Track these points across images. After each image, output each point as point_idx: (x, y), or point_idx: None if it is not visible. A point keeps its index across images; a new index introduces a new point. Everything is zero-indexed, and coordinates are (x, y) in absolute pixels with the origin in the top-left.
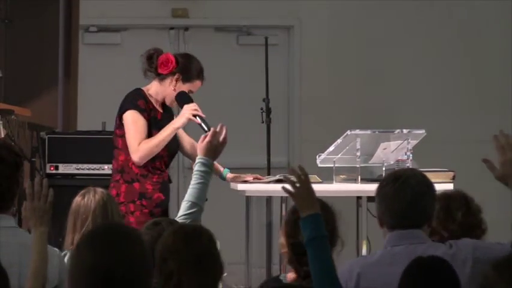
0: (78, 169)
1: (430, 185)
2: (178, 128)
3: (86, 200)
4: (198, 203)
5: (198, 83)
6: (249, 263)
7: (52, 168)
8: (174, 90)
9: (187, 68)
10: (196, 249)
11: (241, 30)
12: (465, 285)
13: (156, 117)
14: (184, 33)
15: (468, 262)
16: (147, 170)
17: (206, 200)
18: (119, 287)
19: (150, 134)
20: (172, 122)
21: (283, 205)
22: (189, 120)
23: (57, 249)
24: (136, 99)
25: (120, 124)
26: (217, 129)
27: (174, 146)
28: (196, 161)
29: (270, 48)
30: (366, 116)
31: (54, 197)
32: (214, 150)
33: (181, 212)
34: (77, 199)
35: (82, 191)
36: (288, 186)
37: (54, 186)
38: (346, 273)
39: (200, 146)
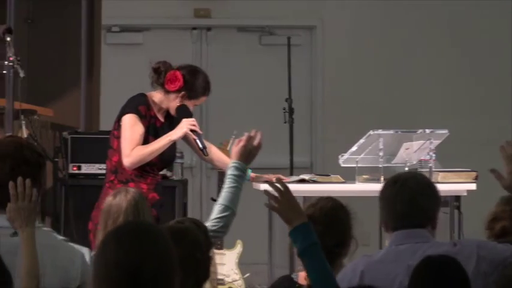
0: (100, 169)
1: (430, 186)
2: (173, 141)
3: (117, 200)
4: (231, 207)
5: (203, 98)
6: (272, 263)
7: (75, 168)
8: (176, 100)
9: (193, 86)
10: (178, 251)
11: (264, 30)
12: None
13: (155, 125)
14: (207, 34)
15: (472, 259)
16: (140, 172)
17: None
18: (145, 284)
19: (146, 141)
20: (170, 133)
21: (305, 205)
22: (186, 134)
23: (81, 250)
24: (138, 104)
25: (118, 126)
26: (252, 134)
27: (169, 154)
28: (230, 164)
29: (292, 49)
30: (389, 116)
31: (77, 197)
32: (248, 154)
33: (214, 215)
34: (109, 199)
35: (114, 191)
36: (271, 202)
37: (77, 186)
38: (349, 272)
39: (234, 150)
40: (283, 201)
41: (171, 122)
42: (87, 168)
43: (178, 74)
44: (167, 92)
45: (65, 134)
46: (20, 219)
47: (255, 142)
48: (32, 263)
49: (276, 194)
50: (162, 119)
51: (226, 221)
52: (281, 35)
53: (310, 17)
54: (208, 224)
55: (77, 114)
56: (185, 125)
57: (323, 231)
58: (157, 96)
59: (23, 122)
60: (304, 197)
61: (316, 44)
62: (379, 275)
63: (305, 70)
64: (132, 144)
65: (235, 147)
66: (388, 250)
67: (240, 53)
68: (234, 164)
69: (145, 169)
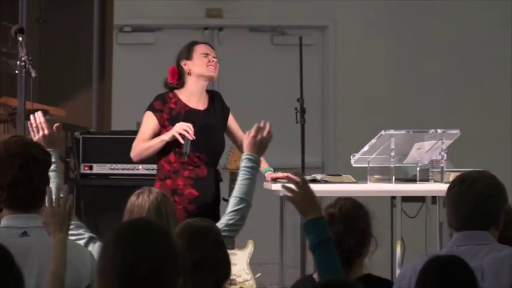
0: (112, 169)
1: (497, 188)
2: (165, 141)
3: (140, 200)
4: (246, 199)
5: (201, 48)
6: (283, 263)
7: (86, 168)
8: (190, 73)
9: (180, 53)
10: (197, 253)
11: (276, 30)
12: None
13: (179, 114)
14: (219, 34)
15: None
16: (177, 165)
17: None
18: (141, 282)
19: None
20: (163, 134)
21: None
22: (175, 136)
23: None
24: (154, 101)
25: None
26: (261, 125)
27: (207, 144)
28: (243, 157)
29: (304, 48)
30: (400, 116)
31: (89, 197)
32: (259, 145)
33: (230, 208)
34: (132, 198)
35: (138, 191)
36: (287, 192)
37: (89, 186)
38: (409, 270)
39: (245, 142)
40: (300, 193)
41: (214, 108)
42: (98, 168)
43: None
44: (182, 81)
45: (76, 134)
46: (54, 224)
47: (265, 133)
48: (59, 267)
49: (293, 186)
50: (200, 107)
51: (242, 213)
52: (293, 35)
53: (322, 17)
54: (225, 218)
55: (89, 114)
56: (177, 128)
57: (343, 231)
58: (182, 90)
59: None
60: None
61: (328, 44)
62: None
63: (317, 70)
64: (138, 139)
65: (246, 140)
66: (449, 251)
67: (251, 53)
68: (247, 156)
69: (182, 162)
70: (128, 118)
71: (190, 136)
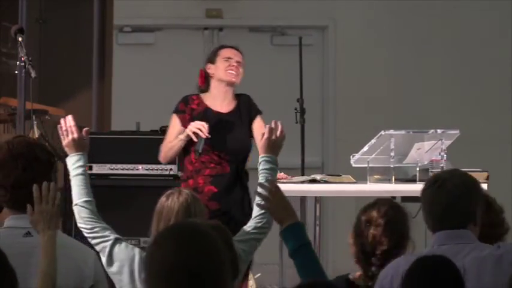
0: (112, 169)
1: (470, 185)
2: (183, 140)
3: (169, 202)
4: None
5: (225, 52)
6: (283, 264)
7: (86, 169)
8: (212, 77)
9: (207, 56)
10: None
11: (276, 30)
12: (504, 286)
13: (200, 114)
14: (219, 34)
15: None
16: (199, 164)
17: None
18: (204, 284)
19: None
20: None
21: (318, 205)
22: (189, 136)
23: (93, 250)
24: (178, 102)
25: None
26: (273, 126)
27: (226, 143)
28: (260, 160)
29: (304, 49)
30: (400, 116)
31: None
32: (273, 145)
33: (256, 212)
34: (162, 200)
35: (168, 192)
36: (262, 202)
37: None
38: (391, 269)
39: (260, 144)
40: (275, 202)
41: (239, 111)
42: (98, 169)
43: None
44: (207, 83)
45: None
46: (42, 222)
47: (278, 132)
48: (50, 266)
49: (267, 194)
50: (223, 110)
51: (268, 216)
52: (293, 35)
53: (321, 17)
54: (253, 221)
55: (89, 114)
56: (191, 127)
57: (381, 233)
58: (207, 93)
59: (35, 122)
60: (316, 197)
61: (328, 44)
62: None
63: (317, 70)
64: (165, 141)
65: (261, 142)
66: (430, 251)
67: (251, 53)
68: (264, 158)
69: (203, 161)
70: (128, 118)
71: (204, 134)
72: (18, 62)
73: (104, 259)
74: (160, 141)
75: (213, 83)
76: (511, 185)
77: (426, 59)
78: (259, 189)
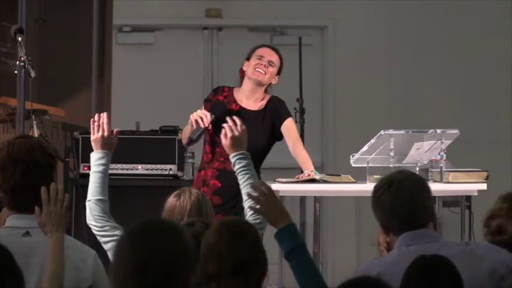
0: (111, 169)
1: (425, 184)
2: (189, 125)
3: (181, 201)
4: None
5: (259, 50)
6: (283, 263)
7: (86, 168)
8: (245, 73)
9: (247, 55)
10: (239, 254)
11: (275, 30)
12: (483, 280)
13: (224, 104)
14: (218, 33)
15: (487, 260)
16: (211, 155)
17: None
18: (153, 280)
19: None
20: None
21: (317, 204)
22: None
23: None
24: (210, 92)
25: None
26: (231, 124)
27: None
28: (232, 160)
29: (303, 48)
30: (400, 116)
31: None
32: (238, 142)
33: (249, 211)
34: (172, 200)
35: (177, 192)
36: (255, 205)
37: (88, 186)
38: (363, 273)
39: (226, 144)
40: (268, 204)
41: (265, 113)
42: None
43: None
44: (241, 82)
45: (76, 134)
46: (50, 223)
47: (239, 128)
48: (57, 268)
49: (260, 196)
50: (249, 107)
51: None
52: (292, 35)
53: (321, 17)
54: (250, 219)
55: (88, 114)
56: (193, 114)
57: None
58: (241, 88)
59: (34, 122)
60: (315, 197)
61: (328, 44)
62: (395, 277)
63: (316, 70)
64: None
65: (226, 142)
66: (400, 252)
67: None
68: (237, 157)
69: (215, 151)
70: (128, 118)
71: (202, 124)
72: (17, 62)
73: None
74: (160, 141)
75: (245, 80)
76: (511, 185)
77: (426, 58)
78: (250, 191)
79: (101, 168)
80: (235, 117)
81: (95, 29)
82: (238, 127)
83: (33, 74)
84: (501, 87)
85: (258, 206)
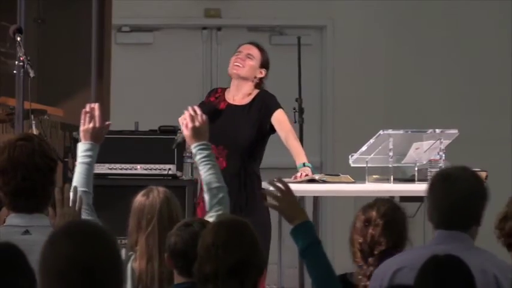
0: (110, 169)
1: (480, 186)
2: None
3: (150, 199)
4: (221, 185)
5: (239, 48)
6: (282, 263)
7: (94, 160)
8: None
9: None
10: (236, 256)
11: (274, 30)
12: None
13: (211, 104)
14: (217, 33)
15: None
16: None
17: None
18: (96, 283)
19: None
20: None
21: (316, 205)
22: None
23: None
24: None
25: None
26: (192, 113)
27: (225, 138)
28: (193, 150)
29: (302, 48)
30: (399, 116)
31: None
32: (199, 132)
33: (212, 201)
34: (141, 199)
35: (144, 191)
36: (272, 201)
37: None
38: (380, 273)
39: (187, 135)
40: (284, 200)
41: (251, 106)
42: (97, 168)
43: None
44: None
45: (75, 134)
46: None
47: (199, 118)
48: None
49: (276, 193)
50: (236, 103)
51: (225, 201)
52: (291, 34)
53: (320, 17)
54: (213, 212)
55: None
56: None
57: (380, 233)
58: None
59: (33, 122)
60: (314, 197)
61: (327, 43)
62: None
63: (315, 70)
64: None
65: (187, 132)
66: (423, 252)
67: None
68: (196, 147)
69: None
70: (127, 118)
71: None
72: (16, 62)
73: None
74: (160, 140)
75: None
76: (511, 185)
77: (425, 58)
78: (269, 187)
79: (87, 160)
80: (195, 107)
81: (94, 29)
82: (199, 117)
83: (32, 74)
84: (501, 87)
85: (274, 202)
